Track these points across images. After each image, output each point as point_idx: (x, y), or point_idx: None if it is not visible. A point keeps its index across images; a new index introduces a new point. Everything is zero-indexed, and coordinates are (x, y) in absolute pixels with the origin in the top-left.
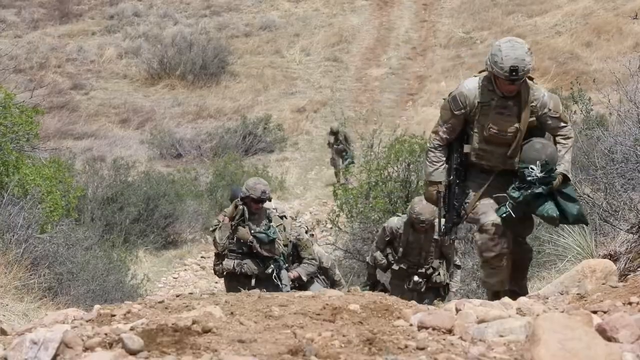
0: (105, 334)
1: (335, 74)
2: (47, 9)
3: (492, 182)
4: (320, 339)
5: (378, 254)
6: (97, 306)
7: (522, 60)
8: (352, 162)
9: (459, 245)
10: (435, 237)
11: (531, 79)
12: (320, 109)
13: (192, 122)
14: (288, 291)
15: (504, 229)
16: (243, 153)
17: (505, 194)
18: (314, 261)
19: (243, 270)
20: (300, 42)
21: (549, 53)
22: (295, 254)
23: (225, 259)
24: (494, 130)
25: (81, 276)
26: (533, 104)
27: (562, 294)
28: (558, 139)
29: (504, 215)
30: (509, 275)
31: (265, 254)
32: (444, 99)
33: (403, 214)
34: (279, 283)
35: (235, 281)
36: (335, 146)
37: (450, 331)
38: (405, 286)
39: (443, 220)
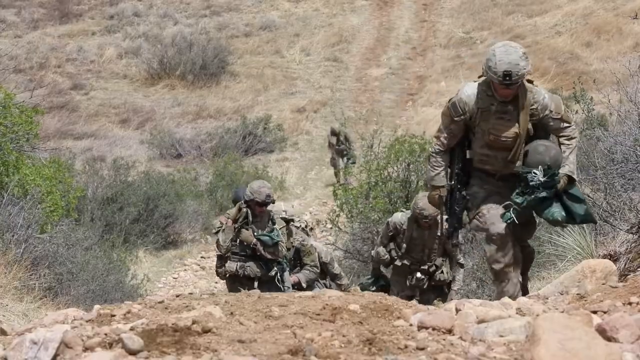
0: (105, 334)
1: (335, 74)
2: (47, 9)
3: (496, 185)
4: (320, 339)
5: (381, 250)
6: (97, 306)
7: (515, 65)
8: (354, 163)
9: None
10: (439, 233)
11: (531, 82)
12: (320, 109)
13: (192, 122)
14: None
15: (512, 239)
16: (243, 153)
17: (509, 201)
18: (315, 268)
19: (246, 273)
20: (300, 42)
21: (549, 53)
22: (298, 259)
23: (228, 262)
24: (494, 135)
25: (81, 276)
26: (533, 107)
27: (562, 294)
28: (562, 140)
29: (509, 221)
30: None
31: (269, 256)
32: (447, 103)
33: (407, 209)
34: (282, 286)
35: (238, 283)
36: (336, 147)
37: (450, 331)
38: (407, 283)
39: (446, 224)
